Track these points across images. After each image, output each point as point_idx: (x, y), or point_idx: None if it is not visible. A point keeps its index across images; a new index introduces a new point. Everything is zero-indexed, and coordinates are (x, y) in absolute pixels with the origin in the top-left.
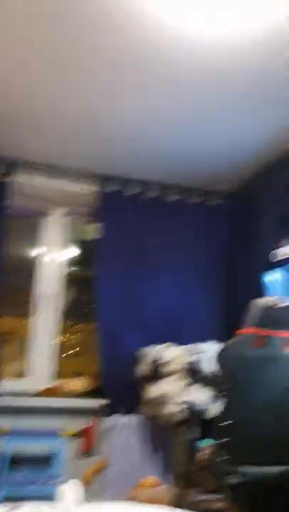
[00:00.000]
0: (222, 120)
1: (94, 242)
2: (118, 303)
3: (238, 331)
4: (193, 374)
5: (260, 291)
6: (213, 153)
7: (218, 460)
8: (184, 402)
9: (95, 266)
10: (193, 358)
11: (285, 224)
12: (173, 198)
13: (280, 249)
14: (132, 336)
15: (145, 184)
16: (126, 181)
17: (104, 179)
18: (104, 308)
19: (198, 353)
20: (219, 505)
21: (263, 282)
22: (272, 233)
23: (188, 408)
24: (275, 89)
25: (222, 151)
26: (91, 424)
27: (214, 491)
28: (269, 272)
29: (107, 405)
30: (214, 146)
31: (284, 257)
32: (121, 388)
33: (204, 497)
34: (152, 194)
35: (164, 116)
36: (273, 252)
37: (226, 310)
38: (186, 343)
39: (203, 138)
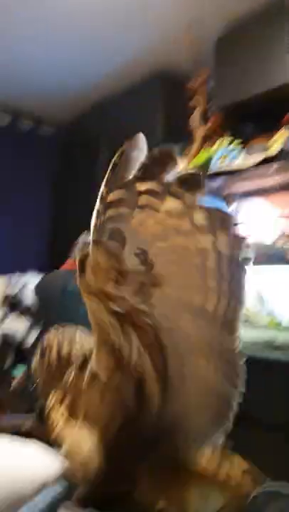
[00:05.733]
0: (62, 43)
1: None
2: None
3: (62, 266)
4: (12, 304)
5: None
6: (50, 76)
7: (29, 385)
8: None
9: None
10: (12, 289)
11: None
12: (2, 120)
13: None
14: None
15: None
16: None
17: None
18: None
19: (18, 284)
20: (28, 425)
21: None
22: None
23: (3, 337)
24: (122, 22)
25: (60, 76)
26: None
27: (24, 413)
28: None
29: None
30: (52, 69)
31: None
32: None
33: (14, 420)
34: None
35: None
36: None
37: (52, 244)
38: (5, 273)
39: (38, 57)
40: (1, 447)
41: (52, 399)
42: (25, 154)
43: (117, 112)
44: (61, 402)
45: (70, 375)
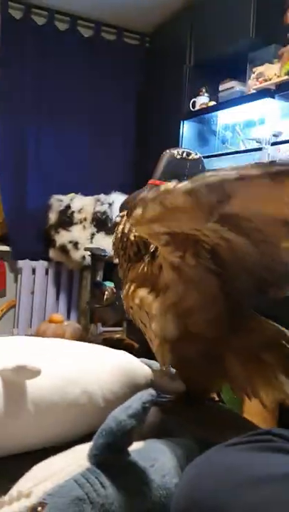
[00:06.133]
0: None
1: None
2: (21, 150)
3: (148, 182)
4: (100, 223)
5: (173, 142)
6: None
7: (118, 298)
8: (90, 249)
9: None
10: (100, 208)
11: (204, 71)
12: (85, 32)
13: (199, 98)
14: (36, 185)
15: (53, 13)
16: (32, 7)
17: (5, 2)
18: (6, 155)
19: (105, 203)
20: (117, 336)
21: (177, 133)
22: (190, 81)
23: (94, 254)
24: None
25: None
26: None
27: (114, 326)
28: (184, 122)
29: (13, 251)
30: None
31: (201, 107)
32: (28, 235)
33: (105, 330)
34: (62, 27)
35: None
36: (192, 100)
37: (137, 161)
38: (93, 194)
39: None
40: (95, 353)
41: (131, 285)
42: (109, 66)
43: (205, 12)
44: (139, 286)
45: (145, 261)
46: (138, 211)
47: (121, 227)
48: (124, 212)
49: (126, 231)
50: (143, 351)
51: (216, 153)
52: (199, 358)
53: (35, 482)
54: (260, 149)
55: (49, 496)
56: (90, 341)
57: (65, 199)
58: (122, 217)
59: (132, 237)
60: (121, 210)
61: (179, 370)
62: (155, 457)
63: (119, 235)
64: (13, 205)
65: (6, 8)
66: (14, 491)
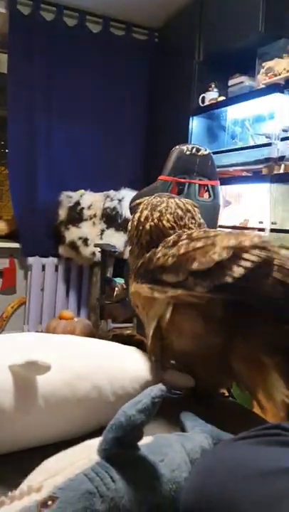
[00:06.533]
0: None
1: (3, 76)
2: (30, 147)
3: (159, 178)
4: (110, 219)
5: (182, 137)
6: None
7: (128, 294)
8: (100, 245)
9: (6, 104)
10: (110, 204)
11: (213, 66)
12: (94, 28)
13: (208, 93)
14: (46, 182)
15: (62, 9)
16: (40, 3)
17: None
18: (15, 152)
19: (115, 199)
20: (128, 332)
21: (186, 128)
22: (199, 76)
23: (104, 250)
24: None
25: None
26: (9, 264)
27: (124, 322)
28: (194, 117)
29: (23, 248)
30: None
31: (210, 103)
32: (38, 232)
33: (115, 326)
34: (71, 22)
35: None
36: (201, 96)
37: (146, 157)
38: (102, 190)
39: None
40: (105, 349)
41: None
42: (118, 61)
43: (214, 7)
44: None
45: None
46: (145, 289)
47: (137, 215)
48: (142, 200)
49: (142, 219)
50: None
51: (225, 148)
52: (203, 360)
53: (46, 476)
54: (269, 144)
55: (59, 489)
56: (100, 337)
57: (75, 195)
58: (138, 204)
59: (147, 226)
60: (131, 203)
61: (184, 368)
62: (165, 452)
63: (135, 223)
64: (22, 201)
65: (14, 4)
66: (25, 485)
